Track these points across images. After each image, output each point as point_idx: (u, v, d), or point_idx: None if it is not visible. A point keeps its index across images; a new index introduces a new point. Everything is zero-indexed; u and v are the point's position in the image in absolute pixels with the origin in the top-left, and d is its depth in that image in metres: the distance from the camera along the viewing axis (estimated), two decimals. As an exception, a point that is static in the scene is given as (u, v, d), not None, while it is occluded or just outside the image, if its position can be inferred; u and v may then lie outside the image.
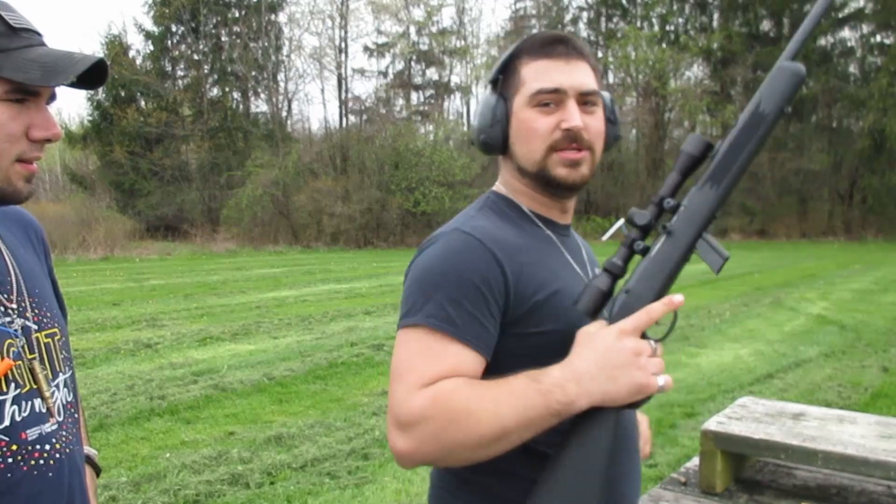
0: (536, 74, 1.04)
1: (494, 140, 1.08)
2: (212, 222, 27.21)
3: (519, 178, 1.10)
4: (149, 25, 30.01)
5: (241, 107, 31.12)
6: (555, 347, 0.94)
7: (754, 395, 5.15)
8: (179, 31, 30.33)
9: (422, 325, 0.94)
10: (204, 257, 21.38)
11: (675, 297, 0.93)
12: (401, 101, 33.23)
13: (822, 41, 29.16)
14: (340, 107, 30.95)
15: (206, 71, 29.90)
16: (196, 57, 30.17)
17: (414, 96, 34.31)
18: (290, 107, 32.32)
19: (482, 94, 1.27)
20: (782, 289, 11.49)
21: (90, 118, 29.90)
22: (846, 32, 29.86)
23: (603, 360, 0.89)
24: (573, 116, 1.02)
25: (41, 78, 0.85)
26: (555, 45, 1.04)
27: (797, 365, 6.05)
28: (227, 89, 30.19)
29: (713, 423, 1.39)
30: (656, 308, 0.92)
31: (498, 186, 1.14)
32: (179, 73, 31.35)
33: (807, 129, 29.14)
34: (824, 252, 20.86)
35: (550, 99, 1.03)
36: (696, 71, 33.00)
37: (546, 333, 0.99)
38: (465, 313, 0.94)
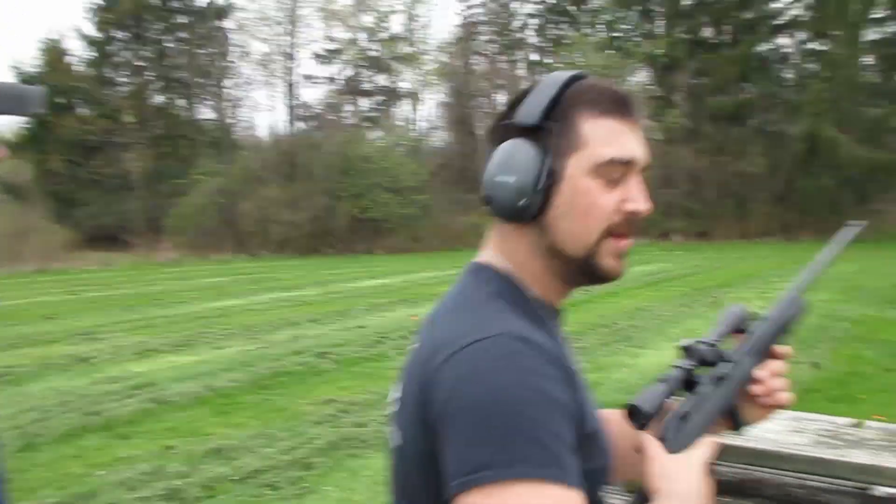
0: (607, 137, 0.85)
1: (535, 206, 0.84)
2: (155, 232, 26.57)
3: (543, 258, 0.87)
4: (91, 31, 29.22)
5: (186, 114, 30.51)
6: (598, 485, 0.83)
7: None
8: (122, 37, 29.59)
9: (535, 480, 0.70)
10: (146, 267, 20.87)
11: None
12: (350, 108, 33.12)
13: (760, 48, 30.16)
14: (289, 113, 30.67)
15: (149, 77, 29.22)
16: (139, 63, 29.45)
17: (363, 102, 34.23)
18: (237, 114, 31.90)
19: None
20: (721, 289, 11.82)
21: (26, 126, 28.89)
22: (783, 39, 30.95)
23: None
24: (642, 198, 0.86)
25: None
26: (628, 104, 0.88)
27: (734, 363, 6.22)
28: (171, 96, 29.57)
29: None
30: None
31: (498, 262, 0.90)
32: (122, 79, 30.57)
33: (746, 134, 30.05)
34: (762, 252, 21.55)
35: (620, 172, 0.85)
36: (642, 77, 33.78)
37: (597, 471, 0.83)
38: (565, 449, 0.74)
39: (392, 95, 32.87)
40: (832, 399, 5.02)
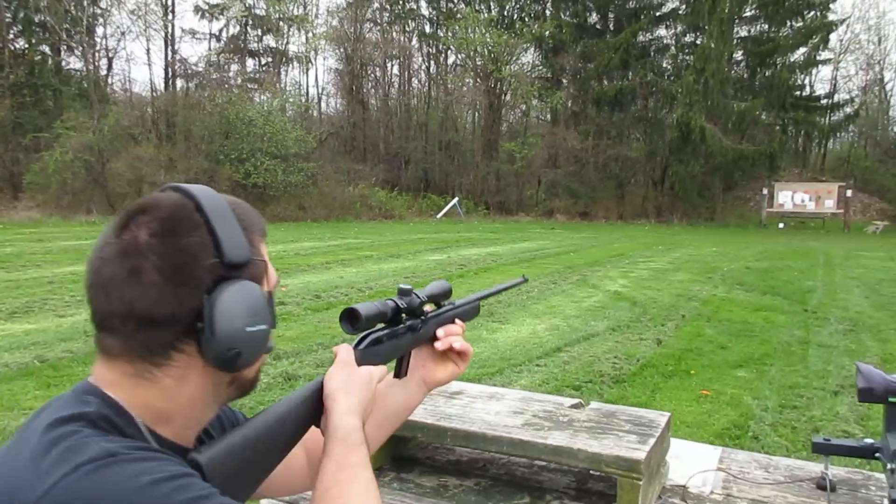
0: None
1: None
2: (13, 188, 24.52)
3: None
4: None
5: (50, 62, 28.12)
6: None
7: (540, 369, 5.46)
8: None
9: None
10: (1, 227, 19.23)
11: None
12: (235, 67, 31.72)
13: (641, 37, 31.41)
14: (166, 69, 28.97)
15: (7, 19, 26.66)
16: (-5, 2, 26.78)
17: (250, 63, 32.88)
18: (110, 66, 29.75)
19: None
20: (591, 267, 12.29)
21: None
22: (662, 30, 32.37)
23: None
24: None
25: None
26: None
27: (585, 339, 6.47)
28: (33, 41, 27.14)
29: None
30: None
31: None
32: (-25, 18, 27.69)
33: (626, 119, 31.35)
34: (636, 233, 22.65)
35: None
36: (530, 57, 34.38)
37: None
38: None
39: (280, 57, 31.73)
40: (666, 374, 5.32)
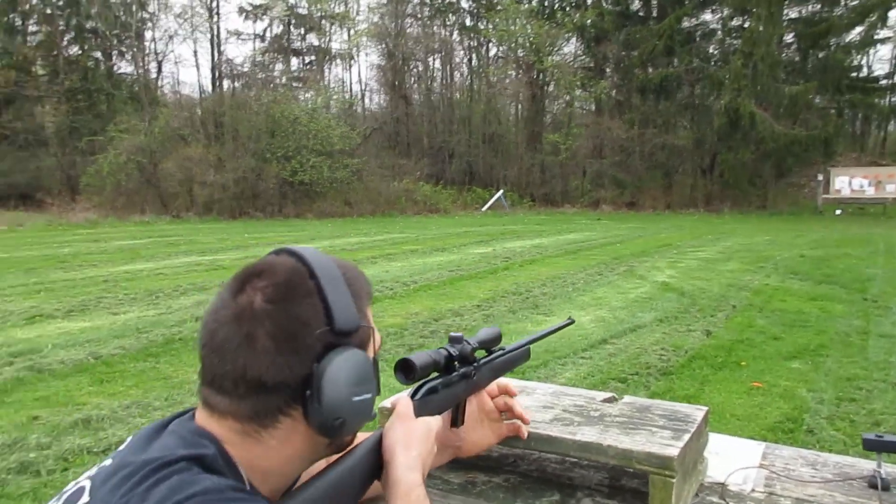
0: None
1: None
2: (71, 191, 25.41)
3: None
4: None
5: (102, 67, 28.99)
6: None
7: (585, 361, 5.38)
8: (31, -17, 27.76)
9: None
10: (60, 228, 19.94)
11: None
12: (280, 67, 32.18)
13: (686, 22, 30.67)
14: (213, 70, 29.57)
15: (60, 27, 27.59)
16: (49, 11, 27.74)
17: (294, 62, 33.32)
18: (160, 69, 30.54)
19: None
20: (638, 258, 12.08)
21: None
22: (708, 15, 31.53)
23: None
24: None
25: None
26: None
27: (631, 330, 6.36)
28: (85, 47, 28.03)
29: (388, 403, 1.41)
30: None
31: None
32: (31, 28, 28.78)
33: (672, 107, 30.68)
34: (684, 223, 22.17)
35: None
36: (572, 47, 33.95)
37: None
38: None
39: (323, 55, 32.06)
40: (716, 366, 5.18)
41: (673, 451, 1.00)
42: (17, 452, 3.48)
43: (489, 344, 1.10)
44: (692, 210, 27.93)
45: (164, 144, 24.82)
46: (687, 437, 1.06)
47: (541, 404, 1.22)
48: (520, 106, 33.80)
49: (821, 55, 29.36)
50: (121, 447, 0.82)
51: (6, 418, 4.04)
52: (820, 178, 26.39)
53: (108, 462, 0.78)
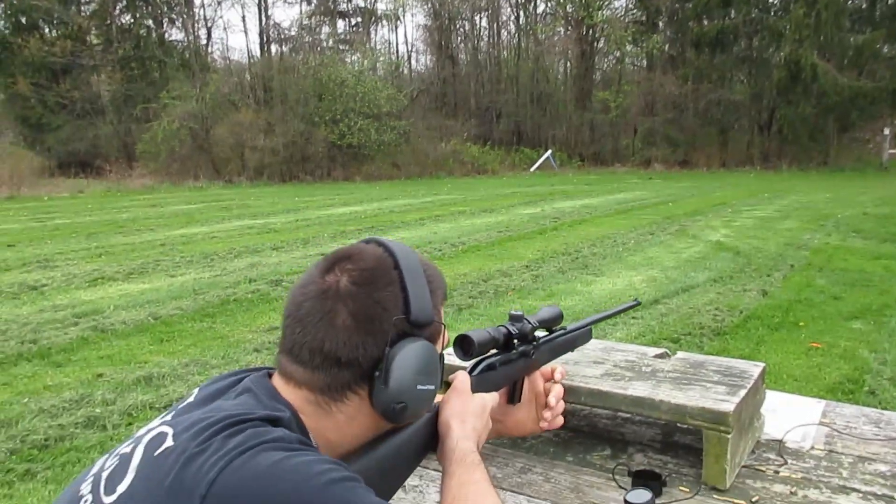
0: None
1: None
2: (128, 158, 26.06)
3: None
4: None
5: (154, 35, 29.41)
6: None
7: (636, 321, 5.31)
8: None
9: None
10: (119, 194, 20.53)
11: None
12: (326, 30, 32.12)
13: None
14: (261, 35, 29.69)
15: (113, -5, 28.01)
16: (101, -21, 28.16)
17: (340, 24, 33.20)
18: (209, 35, 30.84)
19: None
20: (691, 217, 11.81)
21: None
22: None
23: None
24: None
25: None
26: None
27: (684, 290, 6.24)
28: (137, 16, 28.44)
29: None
30: None
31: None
32: (85, -3, 29.27)
33: (729, 60, 29.53)
34: (740, 181, 21.51)
35: None
36: (623, 0, 32.88)
37: None
38: None
39: (369, 17, 31.82)
40: (772, 327, 5.06)
41: (728, 406, 0.97)
42: (84, 408, 3.64)
43: (550, 323, 1.10)
44: (748, 168, 27.05)
45: (215, 110, 25.16)
46: (743, 392, 1.02)
47: (591, 359, 1.20)
48: (568, 63, 33.06)
49: (890, 1, 27.74)
50: (188, 398, 0.86)
51: (73, 376, 4.22)
52: (886, 132, 25.16)
53: (182, 414, 0.81)
